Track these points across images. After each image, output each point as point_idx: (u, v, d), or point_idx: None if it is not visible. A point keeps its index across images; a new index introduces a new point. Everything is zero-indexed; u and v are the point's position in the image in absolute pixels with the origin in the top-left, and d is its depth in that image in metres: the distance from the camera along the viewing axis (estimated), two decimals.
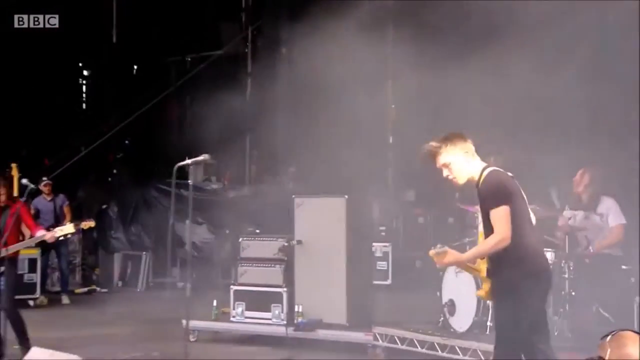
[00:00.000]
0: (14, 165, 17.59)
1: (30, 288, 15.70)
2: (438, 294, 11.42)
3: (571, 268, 10.50)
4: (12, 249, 11.50)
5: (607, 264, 10.77)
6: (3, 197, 11.94)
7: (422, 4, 16.94)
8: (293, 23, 19.66)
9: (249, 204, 18.79)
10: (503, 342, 7.09)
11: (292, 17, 19.80)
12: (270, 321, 12.70)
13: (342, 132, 16.16)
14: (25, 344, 11.28)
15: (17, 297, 15.26)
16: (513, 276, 6.81)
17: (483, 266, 7.16)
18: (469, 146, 7.27)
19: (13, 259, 11.91)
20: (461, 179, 7.18)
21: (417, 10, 16.91)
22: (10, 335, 11.39)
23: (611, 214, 10.97)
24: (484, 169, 7.16)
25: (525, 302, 6.89)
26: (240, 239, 13.87)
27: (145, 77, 19.43)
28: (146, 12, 18.65)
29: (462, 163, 7.17)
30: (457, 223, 16.60)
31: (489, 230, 7.03)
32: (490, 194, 6.99)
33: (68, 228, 11.84)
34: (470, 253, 7.17)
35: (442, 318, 11.15)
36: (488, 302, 9.96)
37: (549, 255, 10.25)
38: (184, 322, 13.26)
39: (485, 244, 7.01)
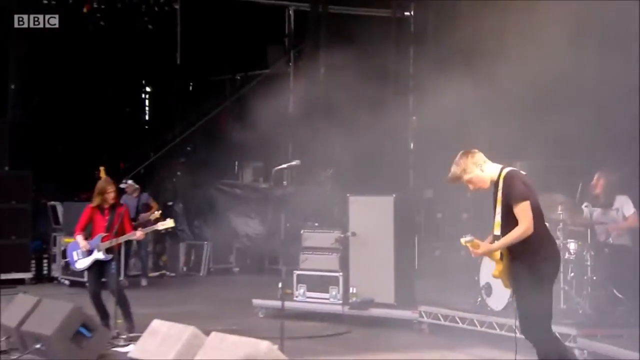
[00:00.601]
0: (102, 168, 17.67)
1: None
2: (476, 278, 11.52)
3: (592, 256, 10.73)
4: (115, 241, 11.80)
5: (622, 253, 10.98)
6: (113, 196, 12.12)
7: (439, 27, 17.38)
8: (330, 46, 19.95)
9: (293, 201, 18.77)
10: (529, 318, 7.34)
11: (329, 41, 20.07)
12: (328, 301, 12.96)
13: (371, 139, 16.33)
14: (129, 319, 11.64)
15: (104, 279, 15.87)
16: (535, 260, 7.12)
17: (497, 252, 7.43)
18: (479, 157, 7.50)
19: (118, 250, 12.37)
20: (485, 186, 7.48)
21: (435, 35, 17.29)
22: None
23: (625, 206, 11.16)
24: (502, 170, 7.43)
25: (544, 281, 7.23)
26: (302, 232, 13.97)
27: (202, 93, 19.63)
28: (204, 36, 18.76)
29: (480, 175, 7.46)
30: (469, 218, 16.60)
31: (508, 221, 7.31)
32: (513, 191, 7.23)
33: (169, 222, 12.31)
34: (501, 243, 7.34)
35: (479, 299, 11.30)
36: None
37: (572, 245, 10.89)
38: (254, 300, 13.35)
39: (512, 235, 7.20)
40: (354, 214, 13.19)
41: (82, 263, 12.13)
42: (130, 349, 10.67)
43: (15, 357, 10.13)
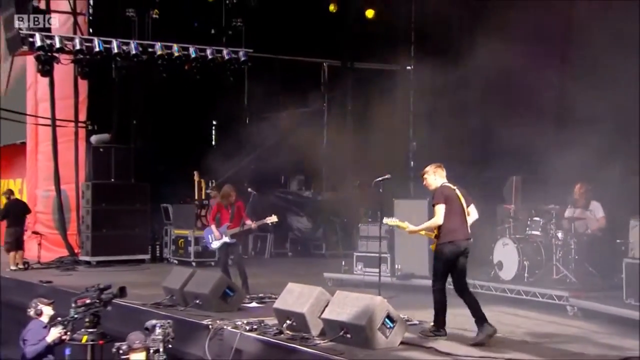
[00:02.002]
0: (196, 172, 18.12)
1: (213, 254, 15.57)
2: (490, 257, 11.88)
3: (575, 242, 11.29)
4: (238, 229, 12.32)
5: (595, 241, 11.43)
6: (234, 196, 12.65)
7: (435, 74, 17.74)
8: (355, 90, 20.31)
9: (331, 204, 19.16)
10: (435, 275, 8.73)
11: (354, 86, 20.32)
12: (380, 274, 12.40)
13: (383, 157, 16.21)
14: (246, 285, 12.10)
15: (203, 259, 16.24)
16: (441, 239, 8.41)
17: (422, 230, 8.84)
18: (439, 171, 8.59)
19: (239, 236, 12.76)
20: (430, 188, 8.63)
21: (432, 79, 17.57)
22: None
23: (597, 210, 11.60)
24: (440, 184, 8.56)
25: (445, 255, 8.51)
26: (360, 225, 14.32)
27: (259, 125, 19.58)
28: (264, 84, 18.73)
29: (430, 180, 8.67)
30: None
31: (430, 215, 8.70)
32: (435, 198, 8.43)
33: (274, 218, 12.70)
34: (421, 226, 8.74)
35: (492, 272, 11.67)
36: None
37: (560, 234, 11.41)
38: (325, 274, 13.60)
39: (428, 223, 8.70)
40: (397, 211, 12.70)
41: (215, 244, 12.62)
42: (253, 305, 11.22)
43: (182, 309, 10.54)
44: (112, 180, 17.03)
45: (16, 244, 16.31)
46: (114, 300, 9.48)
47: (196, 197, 18.21)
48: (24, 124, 19.75)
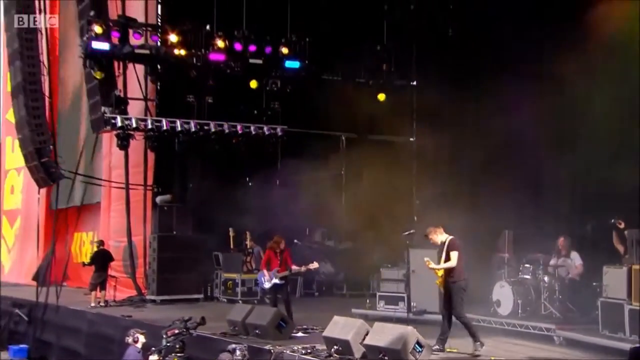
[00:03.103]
0: (231, 228, 17.88)
1: (256, 294, 16.08)
2: (490, 296, 11.94)
3: (558, 284, 11.51)
4: (286, 273, 12.48)
5: (574, 284, 11.58)
6: (283, 245, 12.68)
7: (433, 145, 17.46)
8: (368, 158, 18.64)
9: (350, 252, 19.00)
10: (456, 308, 9.35)
11: (367, 155, 18.60)
12: (398, 310, 13.02)
13: (392, 214, 16.66)
14: (290, 316, 11.91)
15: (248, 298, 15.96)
16: (455, 280, 9.31)
17: (440, 272, 9.54)
18: (439, 231, 9.62)
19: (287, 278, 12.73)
20: (436, 243, 9.68)
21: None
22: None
23: (576, 259, 11.72)
24: (447, 237, 9.53)
25: (463, 289, 9.43)
26: (381, 269, 14.18)
27: (287, 187, 19.08)
28: (291, 152, 18.93)
29: (434, 238, 9.68)
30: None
31: (447, 258, 9.41)
32: (453, 246, 9.37)
33: (315, 264, 13.10)
34: (441, 266, 9.51)
35: (492, 309, 11.79)
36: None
37: (547, 278, 11.57)
38: (353, 310, 13.34)
39: (447, 264, 9.42)
40: (412, 258, 12.47)
41: (267, 285, 12.66)
42: (300, 335, 11.32)
43: (244, 337, 10.83)
44: (174, 232, 17.06)
45: (100, 285, 16.46)
46: (191, 331, 10.18)
47: (232, 247, 18.04)
48: (100, 187, 20.09)
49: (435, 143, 17.59)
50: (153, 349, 9.68)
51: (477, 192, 15.46)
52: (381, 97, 18.79)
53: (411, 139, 20.25)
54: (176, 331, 9.80)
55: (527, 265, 11.94)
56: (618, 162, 11.52)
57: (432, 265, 9.74)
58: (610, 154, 11.95)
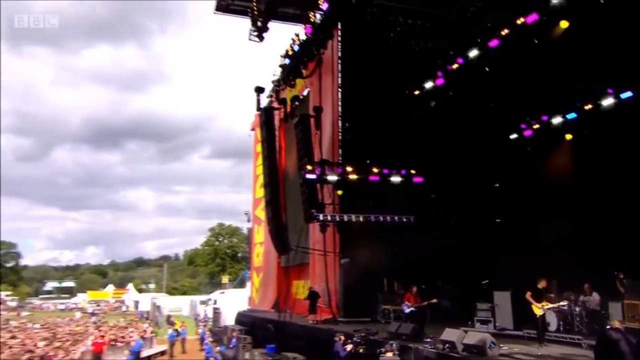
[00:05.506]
0: (385, 279, 18.04)
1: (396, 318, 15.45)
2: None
3: (584, 312, 11.75)
4: (418, 305, 12.93)
5: (594, 312, 11.73)
6: (414, 289, 13.21)
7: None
8: None
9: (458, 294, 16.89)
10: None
11: None
12: (488, 328, 12.93)
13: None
14: (422, 329, 11.91)
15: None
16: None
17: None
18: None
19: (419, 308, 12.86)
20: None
21: None
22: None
23: (596, 297, 11.87)
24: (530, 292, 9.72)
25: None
26: (477, 303, 14.02)
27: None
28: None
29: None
30: None
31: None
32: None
33: (434, 300, 13.19)
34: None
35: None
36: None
37: (577, 309, 11.68)
38: (460, 328, 11.25)
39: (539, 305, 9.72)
40: (496, 296, 13.47)
41: (407, 310, 13.46)
42: (429, 340, 11.41)
43: (397, 340, 11.29)
44: (352, 280, 17.33)
45: (312, 309, 17.72)
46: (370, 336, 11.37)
47: (385, 290, 17.78)
48: (309, 253, 20.40)
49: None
50: (349, 341, 11.65)
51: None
52: None
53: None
54: (362, 334, 11.85)
55: (564, 301, 12.06)
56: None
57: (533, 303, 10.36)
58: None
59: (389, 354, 10.42)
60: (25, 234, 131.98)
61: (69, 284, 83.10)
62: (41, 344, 21.09)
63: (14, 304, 62.02)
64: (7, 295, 65.37)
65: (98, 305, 59.48)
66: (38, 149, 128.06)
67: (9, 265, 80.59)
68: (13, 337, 24.22)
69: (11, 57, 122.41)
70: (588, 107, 12.98)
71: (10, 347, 20.30)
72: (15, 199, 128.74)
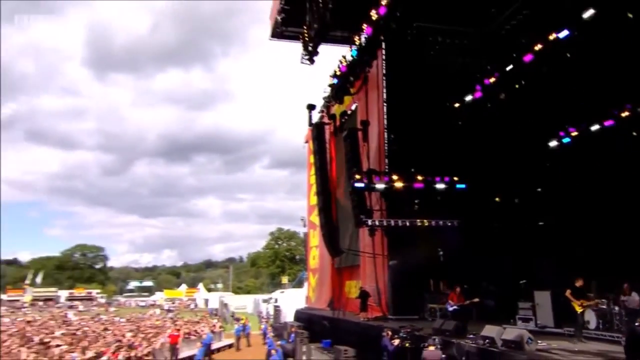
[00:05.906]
0: (431, 280, 17.69)
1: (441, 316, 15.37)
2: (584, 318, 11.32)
3: (624, 311, 11.53)
4: (461, 304, 13.06)
5: (634, 311, 11.35)
6: (458, 289, 13.18)
7: None
8: None
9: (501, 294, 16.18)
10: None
11: None
12: (529, 325, 12.61)
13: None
14: (465, 326, 11.97)
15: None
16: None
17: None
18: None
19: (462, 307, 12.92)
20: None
21: None
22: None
23: (635, 297, 11.50)
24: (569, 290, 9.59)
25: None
26: (519, 303, 13.78)
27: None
28: None
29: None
30: None
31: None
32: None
33: (476, 299, 13.39)
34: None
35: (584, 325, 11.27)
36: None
37: (616, 308, 11.50)
38: (503, 325, 11.39)
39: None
40: (537, 296, 13.09)
41: (450, 309, 13.59)
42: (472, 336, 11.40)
43: (441, 335, 11.44)
44: (399, 280, 17.11)
45: (363, 308, 17.70)
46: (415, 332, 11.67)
47: (432, 289, 17.64)
48: (359, 255, 20.31)
49: None
50: (396, 336, 11.96)
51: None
52: None
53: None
54: (408, 330, 12.11)
55: (604, 300, 12.10)
56: None
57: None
58: None
59: (432, 348, 10.62)
60: (110, 239, 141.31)
61: (148, 283, 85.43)
62: (128, 334, 22.77)
63: (103, 300, 66.24)
64: (97, 293, 70.42)
65: (173, 303, 61.44)
66: (120, 164, 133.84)
67: (98, 266, 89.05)
68: (105, 329, 26.55)
69: (97, 83, 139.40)
70: (625, 114, 13.18)
71: (105, 337, 22.23)
72: (102, 208, 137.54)
